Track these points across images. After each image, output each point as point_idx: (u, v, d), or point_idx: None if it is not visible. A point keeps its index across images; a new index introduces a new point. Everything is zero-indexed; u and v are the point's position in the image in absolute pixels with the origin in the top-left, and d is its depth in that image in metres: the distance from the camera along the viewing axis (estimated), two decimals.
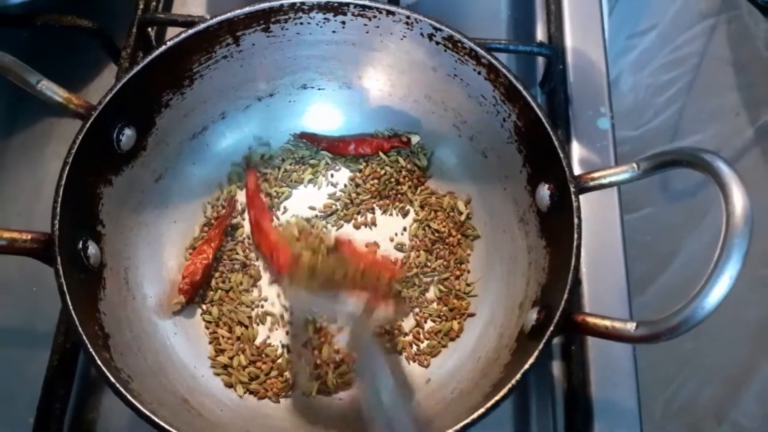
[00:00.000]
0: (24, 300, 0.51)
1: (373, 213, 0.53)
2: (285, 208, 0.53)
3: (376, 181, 0.53)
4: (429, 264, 0.51)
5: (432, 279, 0.50)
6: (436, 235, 0.51)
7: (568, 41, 0.58)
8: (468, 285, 0.50)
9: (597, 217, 0.52)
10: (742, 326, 0.66)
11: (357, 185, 0.53)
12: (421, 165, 0.53)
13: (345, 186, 0.53)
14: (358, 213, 0.53)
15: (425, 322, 0.49)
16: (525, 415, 0.48)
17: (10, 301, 0.51)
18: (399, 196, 0.53)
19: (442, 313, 0.49)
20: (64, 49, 0.58)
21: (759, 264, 0.65)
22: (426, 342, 0.48)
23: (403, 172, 0.53)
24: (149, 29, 0.57)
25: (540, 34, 0.61)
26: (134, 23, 0.56)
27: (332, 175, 0.54)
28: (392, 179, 0.53)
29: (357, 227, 0.52)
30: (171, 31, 0.60)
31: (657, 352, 0.69)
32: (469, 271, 0.50)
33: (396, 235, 0.52)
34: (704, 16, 0.78)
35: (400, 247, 0.51)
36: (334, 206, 0.52)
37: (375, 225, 0.52)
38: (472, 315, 0.49)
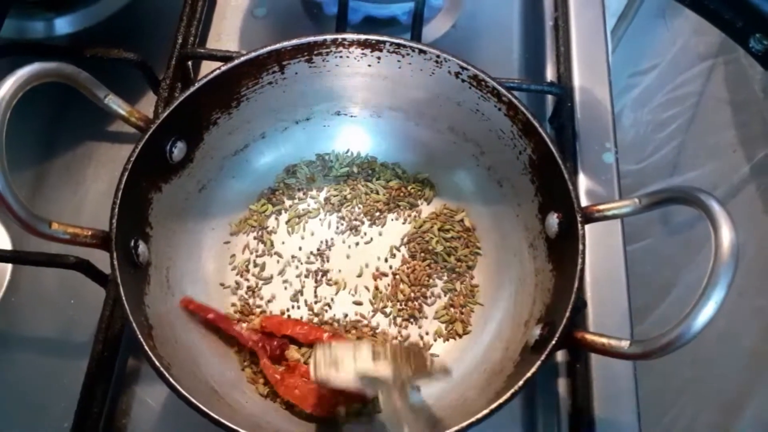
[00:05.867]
0: (61, 312, 0.54)
1: (385, 216, 0.58)
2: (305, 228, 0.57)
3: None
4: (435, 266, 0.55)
5: (438, 287, 0.55)
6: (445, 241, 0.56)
7: (576, 81, 0.63)
8: (475, 299, 0.54)
9: (602, 246, 0.56)
10: (738, 354, 0.69)
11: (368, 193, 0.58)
12: (428, 197, 0.58)
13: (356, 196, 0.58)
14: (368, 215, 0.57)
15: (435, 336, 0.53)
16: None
17: (49, 313, 0.54)
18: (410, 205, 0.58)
19: (449, 325, 0.53)
20: (104, 77, 0.62)
21: (755, 295, 0.68)
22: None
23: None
24: (188, 62, 0.62)
25: (550, 74, 0.65)
26: (173, 57, 0.60)
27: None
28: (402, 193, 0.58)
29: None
30: (205, 64, 0.65)
31: (657, 380, 0.73)
32: (477, 287, 0.55)
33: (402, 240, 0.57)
34: (703, 58, 0.82)
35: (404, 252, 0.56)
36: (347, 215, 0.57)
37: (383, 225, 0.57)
38: (468, 333, 0.53)
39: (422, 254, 0.56)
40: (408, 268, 0.55)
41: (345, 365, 0.43)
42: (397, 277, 0.55)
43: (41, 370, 0.52)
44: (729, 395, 0.69)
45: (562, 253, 0.47)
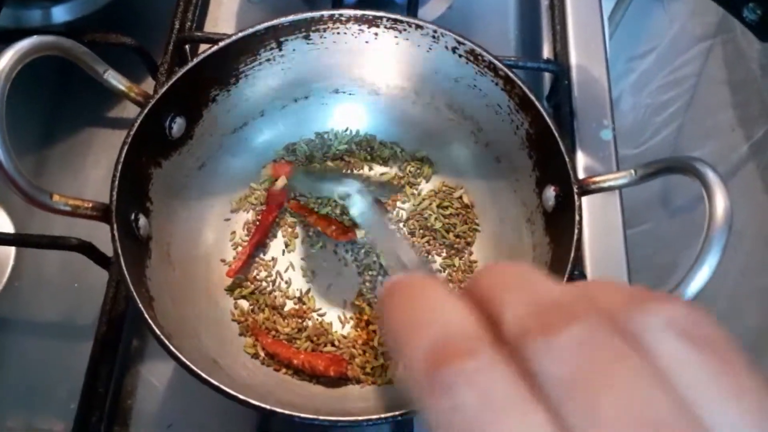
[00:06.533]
0: (65, 296, 0.55)
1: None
2: None
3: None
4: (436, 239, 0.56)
5: (437, 263, 0.55)
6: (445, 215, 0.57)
7: (573, 59, 0.63)
8: (472, 272, 0.55)
9: (601, 224, 0.57)
10: (741, 333, 0.70)
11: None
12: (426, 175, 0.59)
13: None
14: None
15: None
16: None
17: (52, 297, 0.55)
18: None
19: None
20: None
21: (757, 274, 0.69)
22: None
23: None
24: (185, 46, 0.62)
25: (546, 52, 0.66)
26: (171, 41, 0.61)
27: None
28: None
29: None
30: (203, 49, 0.63)
31: None
32: (476, 263, 0.55)
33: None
34: (700, 39, 0.83)
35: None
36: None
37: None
38: None
39: (421, 231, 0.56)
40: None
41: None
42: None
43: (46, 353, 0.53)
44: None
45: (559, 225, 0.48)
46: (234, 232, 0.56)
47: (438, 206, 0.57)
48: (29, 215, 0.58)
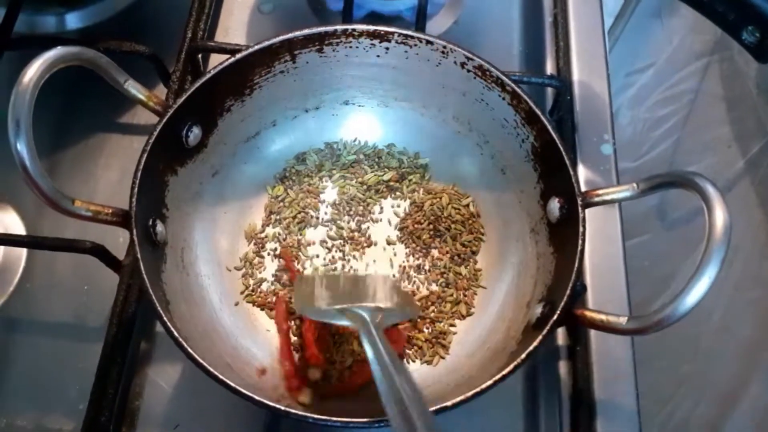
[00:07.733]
0: (75, 298, 0.56)
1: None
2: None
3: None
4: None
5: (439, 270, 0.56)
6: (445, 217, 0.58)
7: (575, 74, 0.65)
8: (478, 283, 0.56)
9: (601, 235, 0.58)
10: (734, 345, 0.71)
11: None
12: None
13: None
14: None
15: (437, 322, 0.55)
16: (534, 418, 0.53)
17: (63, 299, 0.56)
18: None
19: (453, 306, 0.55)
20: None
21: (751, 287, 0.70)
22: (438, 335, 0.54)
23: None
24: (198, 56, 0.64)
25: (549, 68, 0.67)
26: (183, 50, 0.62)
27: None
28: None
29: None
30: (214, 58, 0.66)
31: (654, 374, 0.74)
32: (481, 271, 0.57)
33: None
34: (698, 56, 0.85)
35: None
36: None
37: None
38: (471, 314, 0.55)
39: (429, 216, 0.58)
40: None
41: (323, 298, 0.47)
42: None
43: (56, 354, 0.54)
44: (726, 386, 0.71)
45: (563, 236, 0.49)
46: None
47: (447, 203, 0.58)
48: (40, 217, 0.59)
